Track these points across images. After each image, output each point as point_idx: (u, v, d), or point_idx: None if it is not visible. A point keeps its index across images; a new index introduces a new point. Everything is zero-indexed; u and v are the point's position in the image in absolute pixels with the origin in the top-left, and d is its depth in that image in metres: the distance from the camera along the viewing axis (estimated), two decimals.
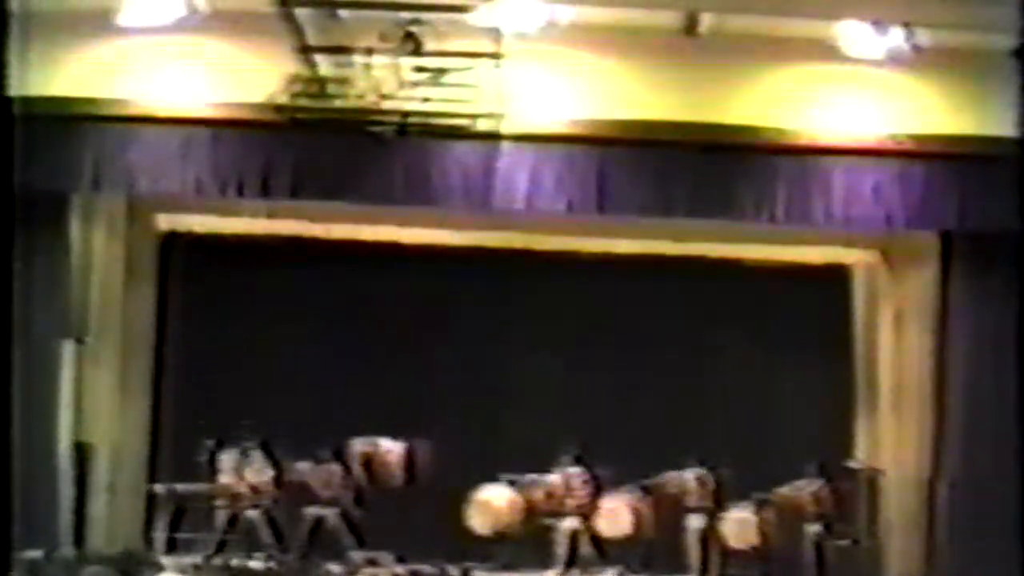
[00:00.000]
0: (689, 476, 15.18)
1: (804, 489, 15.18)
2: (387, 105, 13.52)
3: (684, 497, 15.19)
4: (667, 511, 15.15)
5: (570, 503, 15.12)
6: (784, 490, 15.13)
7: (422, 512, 14.77)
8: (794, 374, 16.49)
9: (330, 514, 14.95)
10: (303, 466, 15.08)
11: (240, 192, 14.66)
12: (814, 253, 16.42)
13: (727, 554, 14.98)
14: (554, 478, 15.21)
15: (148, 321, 16.15)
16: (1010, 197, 13.52)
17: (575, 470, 15.18)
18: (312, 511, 14.98)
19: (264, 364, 16.11)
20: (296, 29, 13.49)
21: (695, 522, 15.08)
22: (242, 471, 15.03)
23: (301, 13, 13.42)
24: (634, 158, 14.53)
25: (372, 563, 14.33)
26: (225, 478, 15.06)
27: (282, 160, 14.43)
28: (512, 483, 15.18)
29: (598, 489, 15.12)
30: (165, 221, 16.31)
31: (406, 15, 13.16)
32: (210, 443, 15.08)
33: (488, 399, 16.34)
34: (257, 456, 15.10)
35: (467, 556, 14.46)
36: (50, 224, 14.96)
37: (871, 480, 15.90)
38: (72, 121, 14.36)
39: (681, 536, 15.09)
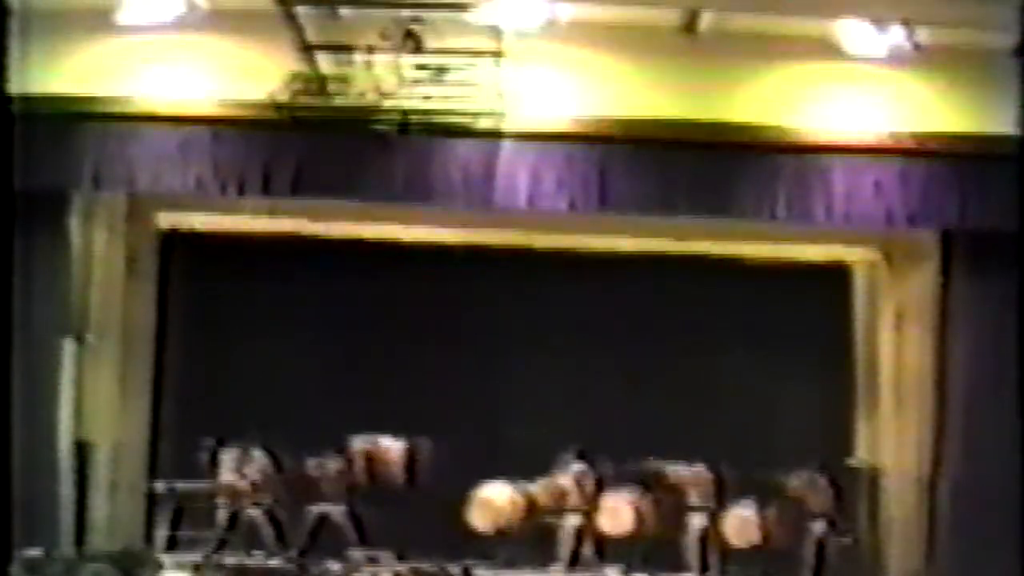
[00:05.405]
0: (690, 474, 15.20)
1: (805, 487, 15.20)
2: (388, 103, 13.58)
3: (686, 495, 15.21)
4: (669, 509, 15.17)
5: (571, 501, 15.14)
6: (785, 488, 15.15)
7: (423, 510, 14.77)
8: (794, 372, 16.46)
9: (331, 512, 14.97)
10: (304, 464, 15.10)
11: (241, 190, 14.62)
12: (815, 251, 16.39)
13: (728, 552, 15.00)
14: (555, 476, 15.23)
15: (149, 319, 16.12)
16: (1011, 196, 13.52)
17: (576, 467, 15.20)
18: (313, 509, 15.00)
19: (265, 362, 16.10)
20: (297, 27, 13.51)
21: (696, 520, 15.09)
22: (243, 469, 15.05)
23: (302, 11, 13.44)
24: (635, 156, 14.50)
25: (373, 561, 14.35)
26: (226, 476, 15.09)
27: (283, 158, 14.39)
28: (513, 481, 15.20)
29: (599, 487, 15.14)
30: (165, 219, 16.28)
31: (407, 13, 13.19)
32: (211, 441, 15.12)
33: (489, 397, 16.31)
34: (258, 454, 15.13)
35: (468, 554, 14.48)
36: (50, 222, 14.92)
37: (872, 478, 15.92)
38: (72, 119, 14.31)
39: (683, 534, 15.11)
